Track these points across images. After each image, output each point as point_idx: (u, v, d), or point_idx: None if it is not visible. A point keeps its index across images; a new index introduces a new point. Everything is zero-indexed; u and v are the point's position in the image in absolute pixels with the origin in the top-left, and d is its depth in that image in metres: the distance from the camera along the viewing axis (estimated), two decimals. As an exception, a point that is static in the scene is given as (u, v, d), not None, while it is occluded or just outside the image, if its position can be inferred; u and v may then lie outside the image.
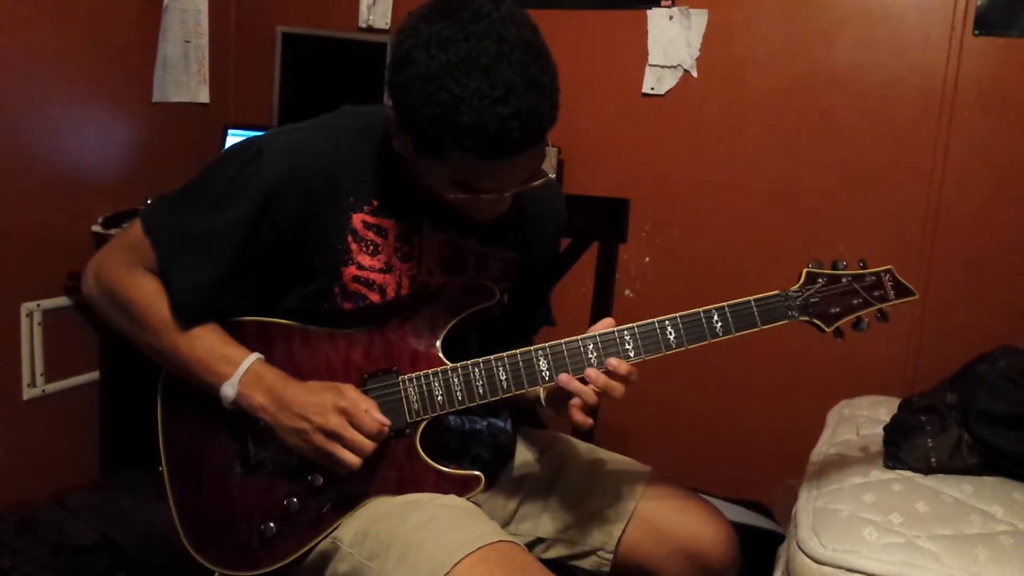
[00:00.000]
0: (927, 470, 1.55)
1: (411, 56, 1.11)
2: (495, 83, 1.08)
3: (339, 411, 1.23)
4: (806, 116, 2.44)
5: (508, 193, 1.21)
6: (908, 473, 1.55)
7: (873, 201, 2.39)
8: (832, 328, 1.32)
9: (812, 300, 1.31)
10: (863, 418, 1.83)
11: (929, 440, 1.57)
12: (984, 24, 2.23)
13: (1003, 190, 2.27)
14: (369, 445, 1.24)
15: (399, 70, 1.13)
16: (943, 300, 2.32)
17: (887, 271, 1.34)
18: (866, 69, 2.37)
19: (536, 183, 1.22)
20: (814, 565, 1.32)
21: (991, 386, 1.57)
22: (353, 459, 1.24)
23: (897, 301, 1.34)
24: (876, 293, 1.33)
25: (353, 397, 1.25)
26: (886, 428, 1.65)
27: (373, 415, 1.25)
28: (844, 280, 1.32)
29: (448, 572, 1.16)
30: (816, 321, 1.31)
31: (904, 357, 2.38)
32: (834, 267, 1.33)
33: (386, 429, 1.26)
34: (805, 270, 1.32)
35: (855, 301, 1.32)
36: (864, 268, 1.34)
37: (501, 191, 1.20)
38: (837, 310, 1.32)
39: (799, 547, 1.36)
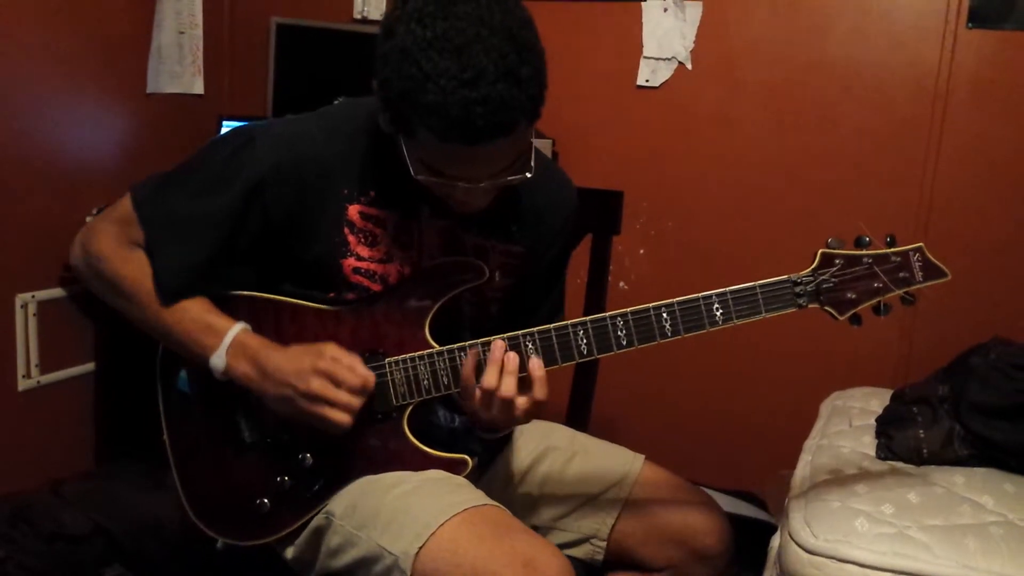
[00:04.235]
0: (919, 461, 1.56)
1: (393, 28, 1.10)
2: (465, 66, 1.05)
3: (319, 373, 1.23)
4: (800, 108, 2.45)
5: (483, 184, 1.17)
6: (900, 464, 1.56)
7: (867, 193, 2.40)
8: (846, 316, 1.20)
9: (825, 285, 1.19)
10: (856, 409, 1.84)
11: (921, 431, 1.58)
12: (978, 17, 2.24)
13: (996, 182, 2.28)
14: (355, 401, 1.23)
15: (382, 41, 1.13)
16: (936, 292, 2.31)
17: (916, 249, 1.21)
18: (860, 61, 2.37)
19: (512, 179, 1.19)
20: (806, 555, 1.32)
21: (983, 378, 1.58)
22: (342, 417, 1.23)
23: (925, 284, 1.20)
24: (901, 275, 1.20)
25: (333, 355, 1.24)
26: (878, 419, 1.66)
27: (356, 370, 1.24)
28: (864, 261, 1.20)
29: (433, 533, 1.18)
30: (828, 309, 1.20)
31: (897, 349, 2.39)
32: (858, 244, 1.21)
33: (371, 382, 1.25)
34: (821, 250, 1.20)
35: (875, 285, 1.20)
36: (892, 245, 1.21)
37: (469, 181, 1.17)
38: (853, 296, 1.19)
39: (791, 537, 1.36)
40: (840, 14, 2.38)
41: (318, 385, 1.22)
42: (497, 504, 1.28)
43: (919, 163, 2.34)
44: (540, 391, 1.23)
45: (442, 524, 1.19)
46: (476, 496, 1.27)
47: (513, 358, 1.22)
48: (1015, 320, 2.19)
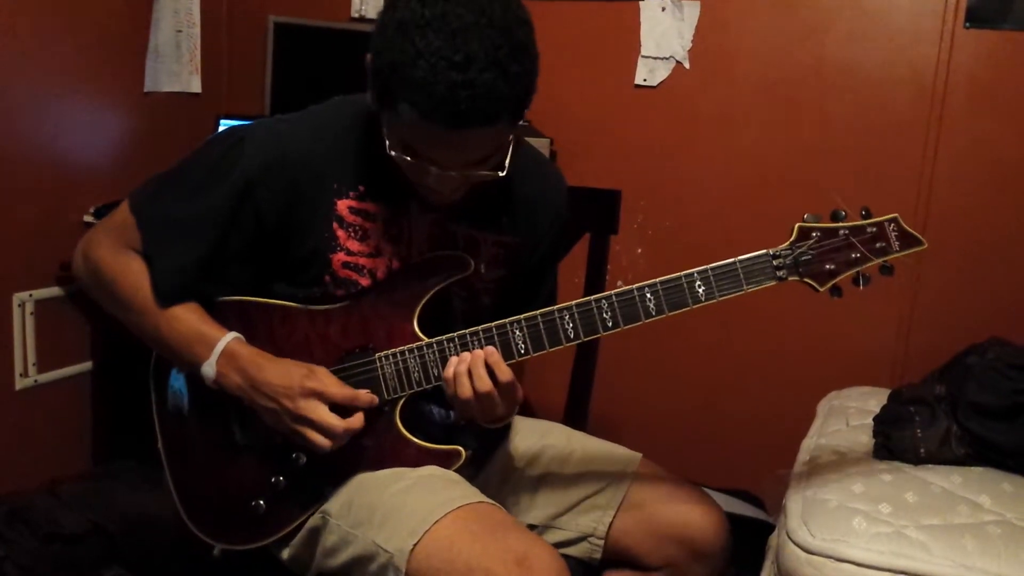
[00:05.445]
0: (916, 461, 1.56)
1: (395, 2, 1.12)
2: (458, 48, 1.07)
3: (308, 393, 1.24)
4: (798, 108, 2.45)
5: (453, 173, 1.18)
6: (897, 464, 1.56)
7: (864, 193, 2.39)
8: (827, 287, 1.23)
9: (803, 258, 1.22)
10: (853, 409, 1.84)
11: (918, 431, 1.58)
12: (975, 17, 2.24)
13: (994, 182, 2.28)
14: (339, 427, 1.24)
15: (383, 13, 1.15)
16: (933, 292, 2.33)
17: (892, 220, 1.22)
18: (858, 62, 2.37)
19: (484, 174, 1.20)
20: (803, 555, 1.33)
21: (980, 378, 1.58)
22: (323, 441, 1.25)
23: (902, 253, 1.22)
24: (878, 245, 1.22)
25: (323, 379, 1.26)
26: (876, 419, 1.66)
27: (344, 389, 1.26)
28: (841, 233, 1.22)
29: (427, 530, 1.19)
30: (808, 280, 1.23)
31: (894, 349, 2.39)
32: (834, 218, 1.23)
33: (361, 399, 1.27)
34: (797, 224, 1.23)
35: (853, 256, 1.22)
36: (867, 217, 1.23)
37: (443, 166, 1.17)
38: (832, 267, 1.22)
39: (789, 537, 1.36)
40: (838, 14, 2.38)
41: (305, 406, 1.24)
42: (492, 501, 1.28)
43: (917, 163, 2.34)
44: (503, 374, 1.25)
45: (437, 521, 1.20)
46: (471, 493, 1.28)
47: (478, 361, 1.25)
48: (1012, 320, 2.19)
